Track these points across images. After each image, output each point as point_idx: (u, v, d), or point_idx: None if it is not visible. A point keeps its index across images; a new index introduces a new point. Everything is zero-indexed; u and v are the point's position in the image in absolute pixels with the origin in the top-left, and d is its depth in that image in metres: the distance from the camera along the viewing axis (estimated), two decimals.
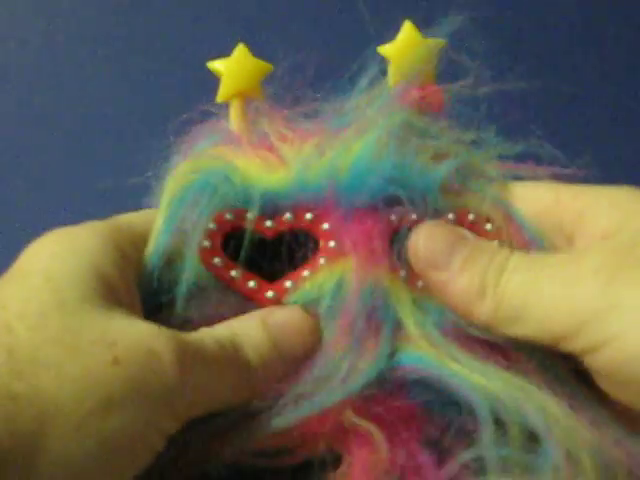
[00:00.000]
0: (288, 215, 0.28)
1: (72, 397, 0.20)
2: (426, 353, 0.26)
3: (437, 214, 0.28)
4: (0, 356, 0.20)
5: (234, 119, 0.31)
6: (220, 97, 0.31)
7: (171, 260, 0.27)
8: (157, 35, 0.63)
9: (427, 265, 0.26)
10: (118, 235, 0.26)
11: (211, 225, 0.28)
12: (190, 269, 0.26)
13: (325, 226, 0.28)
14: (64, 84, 0.63)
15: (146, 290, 0.26)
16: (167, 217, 0.27)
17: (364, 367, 0.26)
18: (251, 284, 0.27)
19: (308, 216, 0.28)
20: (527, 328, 0.24)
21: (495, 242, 0.27)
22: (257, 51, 0.31)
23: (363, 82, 0.30)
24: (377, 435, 0.25)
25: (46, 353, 0.21)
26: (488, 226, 0.28)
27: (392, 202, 0.28)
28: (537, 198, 0.28)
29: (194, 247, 0.27)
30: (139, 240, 0.27)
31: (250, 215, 0.28)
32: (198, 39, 0.60)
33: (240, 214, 0.28)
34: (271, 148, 0.29)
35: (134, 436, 0.21)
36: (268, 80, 0.31)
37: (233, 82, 0.31)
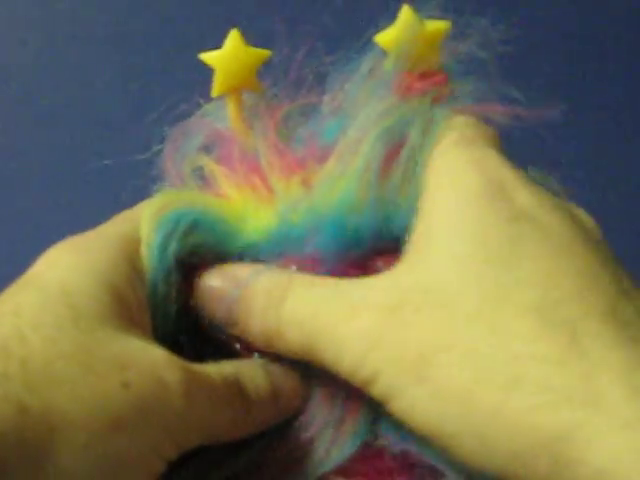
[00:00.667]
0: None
1: (82, 415, 0.20)
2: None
3: None
4: (13, 367, 0.20)
5: (231, 117, 0.29)
6: (214, 92, 0.29)
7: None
8: (158, 35, 0.63)
9: (228, 326, 0.26)
10: (129, 247, 0.26)
11: (175, 275, 0.27)
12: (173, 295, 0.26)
13: None
14: (64, 84, 0.62)
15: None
16: (152, 252, 0.26)
17: (346, 438, 0.25)
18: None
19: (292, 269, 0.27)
20: (325, 365, 0.24)
21: (273, 272, 0.26)
22: (254, 38, 0.29)
23: (364, 69, 0.29)
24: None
25: (60, 368, 0.21)
26: None
27: (378, 248, 0.27)
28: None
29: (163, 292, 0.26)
30: (137, 246, 0.27)
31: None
32: (199, 39, 0.60)
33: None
34: (261, 175, 0.28)
35: (138, 459, 0.21)
36: (267, 67, 0.30)
37: (227, 75, 0.29)
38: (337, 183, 0.27)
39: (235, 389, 0.25)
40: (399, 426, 0.24)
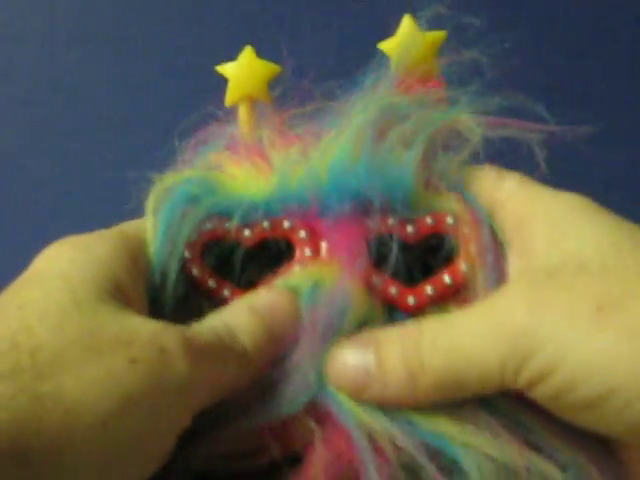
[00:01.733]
0: (266, 224, 0.29)
1: (95, 396, 0.21)
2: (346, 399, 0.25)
3: (414, 217, 0.28)
4: (23, 358, 0.21)
5: (242, 123, 0.31)
6: (228, 101, 0.32)
7: (164, 270, 0.28)
8: (158, 35, 0.63)
9: (358, 392, 0.26)
10: (128, 242, 0.27)
11: (193, 236, 0.28)
12: (173, 280, 0.27)
13: (302, 234, 0.28)
14: (64, 84, 0.62)
15: (149, 296, 0.27)
16: (157, 227, 0.28)
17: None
18: (225, 293, 0.28)
19: (286, 224, 0.28)
20: (469, 388, 0.24)
21: (401, 326, 0.26)
22: (263, 52, 0.31)
23: (369, 80, 0.30)
24: (335, 435, 0.25)
25: (68, 355, 0.21)
26: (449, 220, 0.28)
27: (370, 207, 0.28)
28: (488, 194, 0.28)
29: (176, 258, 0.28)
30: (146, 246, 0.28)
31: (228, 225, 0.29)
32: (201, 39, 0.60)
33: (220, 224, 0.29)
34: (262, 154, 0.30)
35: (154, 431, 0.22)
36: (276, 80, 0.31)
37: (240, 86, 0.31)
38: (333, 145, 0.28)
39: (228, 341, 0.25)
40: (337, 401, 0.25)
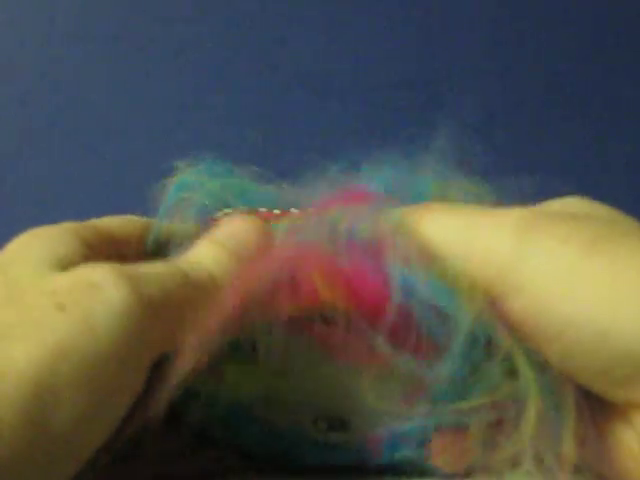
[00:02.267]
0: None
1: (23, 353, 0.19)
2: None
3: None
4: None
5: None
6: None
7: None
8: (159, 35, 0.63)
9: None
10: (84, 230, 0.25)
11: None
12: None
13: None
14: (64, 84, 0.62)
15: None
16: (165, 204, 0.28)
17: None
18: None
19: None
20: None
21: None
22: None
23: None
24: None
25: (1, 319, 0.20)
26: None
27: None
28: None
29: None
30: (106, 237, 0.26)
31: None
32: (199, 39, 0.60)
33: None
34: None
35: (101, 379, 0.20)
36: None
37: None
38: None
39: (187, 268, 0.24)
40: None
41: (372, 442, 0.26)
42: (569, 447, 0.23)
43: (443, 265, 0.24)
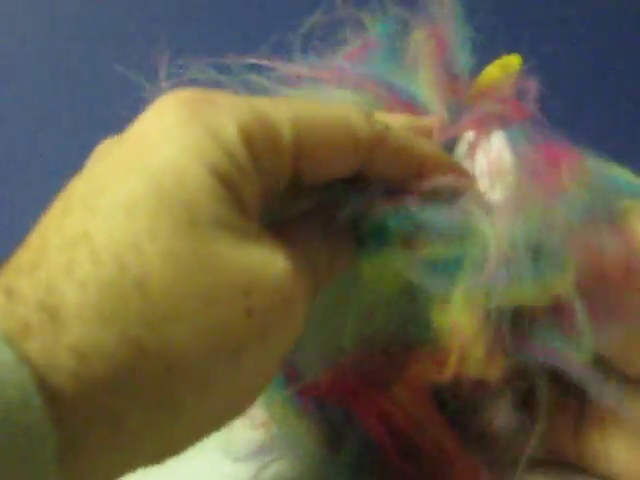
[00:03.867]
0: None
1: (202, 352, 0.18)
2: None
3: None
4: (131, 293, 0.17)
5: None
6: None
7: None
8: (158, 35, 0.63)
9: None
10: (261, 142, 0.20)
11: None
12: None
13: None
14: (64, 84, 0.62)
15: None
16: None
17: None
18: None
19: None
20: None
21: None
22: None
23: None
24: None
25: (180, 295, 0.17)
26: None
27: None
28: None
29: None
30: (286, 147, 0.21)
31: None
32: (199, 39, 0.60)
33: None
34: None
35: (264, 375, 0.20)
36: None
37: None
38: None
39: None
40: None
41: None
42: None
43: None
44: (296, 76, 0.28)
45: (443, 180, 0.23)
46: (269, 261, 0.19)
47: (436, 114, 0.26)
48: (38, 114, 0.62)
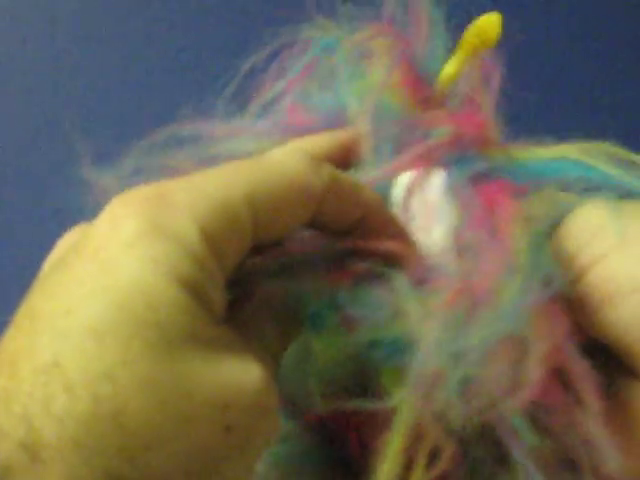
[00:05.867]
0: None
1: (184, 472, 0.17)
2: None
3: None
4: (108, 425, 0.16)
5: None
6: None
7: None
8: (158, 35, 0.63)
9: None
10: (221, 237, 0.20)
11: None
12: None
13: None
14: (64, 84, 0.62)
15: None
16: None
17: None
18: None
19: None
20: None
21: None
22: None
23: None
24: None
25: (158, 422, 0.17)
26: None
27: None
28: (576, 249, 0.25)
29: None
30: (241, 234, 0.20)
31: None
32: (199, 39, 0.60)
33: None
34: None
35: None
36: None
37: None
38: None
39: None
40: None
41: None
42: None
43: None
44: (212, 134, 0.28)
45: (383, 246, 0.24)
46: (244, 372, 0.19)
47: (358, 125, 0.26)
48: (38, 114, 0.62)
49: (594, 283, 0.23)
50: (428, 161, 0.26)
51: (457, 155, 0.26)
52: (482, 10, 0.28)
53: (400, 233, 0.25)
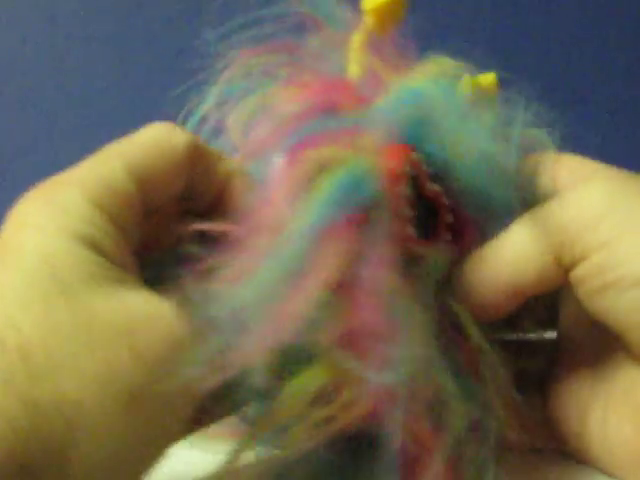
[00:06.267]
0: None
1: (95, 398, 0.19)
2: None
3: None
4: (13, 360, 0.18)
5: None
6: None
7: None
8: (158, 35, 0.63)
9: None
10: (94, 191, 0.22)
11: None
12: None
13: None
14: (64, 84, 0.62)
15: None
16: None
17: None
18: None
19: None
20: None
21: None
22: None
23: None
24: None
25: (61, 351, 0.19)
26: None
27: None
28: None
29: None
30: (129, 202, 0.23)
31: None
32: (199, 39, 0.60)
33: None
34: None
35: (161, 426, 0.20)
36: None
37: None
38: None
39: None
40: None
41: None
42: None
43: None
44: None
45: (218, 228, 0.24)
46: (149, 304, 0.21)
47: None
48: (38, 114, 0.62)
49: (597, 268, 0.24)
50: (284, 134, 0.25)
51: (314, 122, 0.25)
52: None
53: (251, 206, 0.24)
